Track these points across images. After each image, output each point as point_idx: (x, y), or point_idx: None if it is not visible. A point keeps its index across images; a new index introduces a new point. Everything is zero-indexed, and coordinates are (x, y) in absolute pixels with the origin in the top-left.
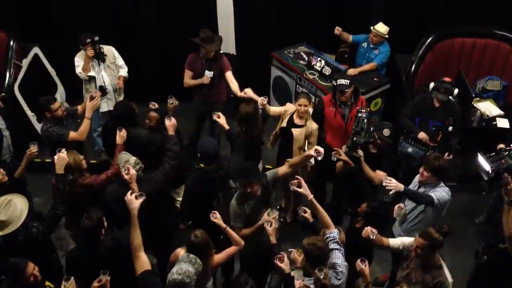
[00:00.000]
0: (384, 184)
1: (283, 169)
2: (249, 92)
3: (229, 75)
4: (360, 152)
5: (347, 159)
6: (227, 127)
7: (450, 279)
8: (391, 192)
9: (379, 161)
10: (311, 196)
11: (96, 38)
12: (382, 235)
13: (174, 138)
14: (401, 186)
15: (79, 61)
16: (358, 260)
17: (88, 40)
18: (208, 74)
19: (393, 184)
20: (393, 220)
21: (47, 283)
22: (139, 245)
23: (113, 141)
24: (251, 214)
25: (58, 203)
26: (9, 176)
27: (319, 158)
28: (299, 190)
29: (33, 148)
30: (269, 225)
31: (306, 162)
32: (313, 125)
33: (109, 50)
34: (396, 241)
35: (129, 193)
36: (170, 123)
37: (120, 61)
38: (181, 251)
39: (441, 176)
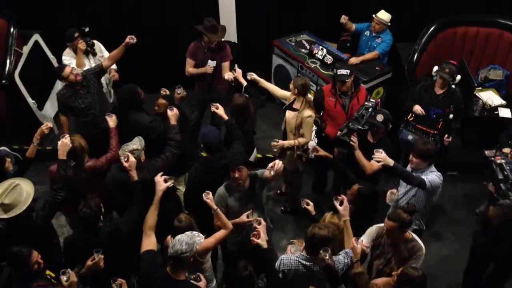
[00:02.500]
0: (374, 156)
1: (266, 174)
2: (238, 74)
3: (226, 64)
4: (354, 139)
5: (325, 153)
6: (226, 117)
7: (424, 247)
8: (378, 164)
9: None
10: (346, 218)
11: (87, 29)
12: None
13: (176, 128)
14: (390, 161)
15: (69, 59)
16: (354, 238)
17: (77, 34)
18: (212, 63)
19: (382, 157)
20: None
21: (47, 272)
22: (153, 225)
23: (118, 125)
24: (233, 207)
25: (58, 189)
26: None
27: (272, 173)
28: (339, 207)
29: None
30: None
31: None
32: (305, 113)
33: (96, 44)
34: (367, 240)
35: (159, 174)
36: (172, 113)
37: (106, 54)
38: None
39: (431, 160)
